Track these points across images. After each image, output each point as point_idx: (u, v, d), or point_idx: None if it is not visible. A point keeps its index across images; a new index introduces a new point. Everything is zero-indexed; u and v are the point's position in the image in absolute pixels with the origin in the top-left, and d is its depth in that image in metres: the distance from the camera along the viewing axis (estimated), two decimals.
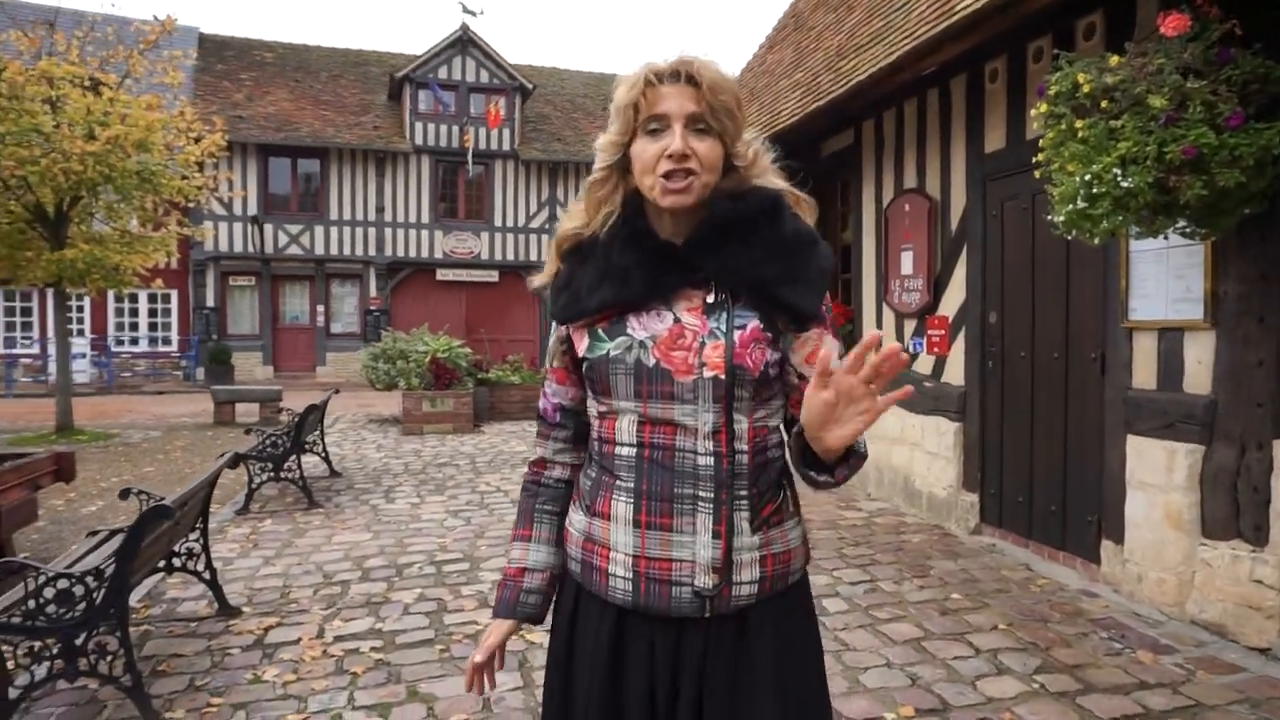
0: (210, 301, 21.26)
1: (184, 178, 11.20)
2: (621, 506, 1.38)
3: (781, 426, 1.45)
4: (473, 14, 22.48)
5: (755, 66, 9.79)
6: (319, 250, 21.90)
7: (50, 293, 11.65)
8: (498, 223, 23.02)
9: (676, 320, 1.36)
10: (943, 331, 5.84)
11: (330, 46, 24.89)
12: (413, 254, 22.46)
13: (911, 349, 6.23)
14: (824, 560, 4.90)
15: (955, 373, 5.70)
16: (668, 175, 1.31)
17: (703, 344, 1.34)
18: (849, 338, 7.09)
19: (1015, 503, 5.14)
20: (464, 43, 22.51)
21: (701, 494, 1.34)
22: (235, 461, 6.42)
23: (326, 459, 8.10)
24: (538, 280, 1.49)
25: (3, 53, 10.32)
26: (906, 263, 6.21)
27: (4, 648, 2.88)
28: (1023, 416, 5.07)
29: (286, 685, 3.37)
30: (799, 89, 7.01)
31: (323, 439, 8.17)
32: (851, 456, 1.29)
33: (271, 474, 6.65)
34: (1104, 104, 3.17)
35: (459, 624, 4.03)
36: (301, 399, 8.81)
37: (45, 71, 9.83)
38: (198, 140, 11.39)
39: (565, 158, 22.75)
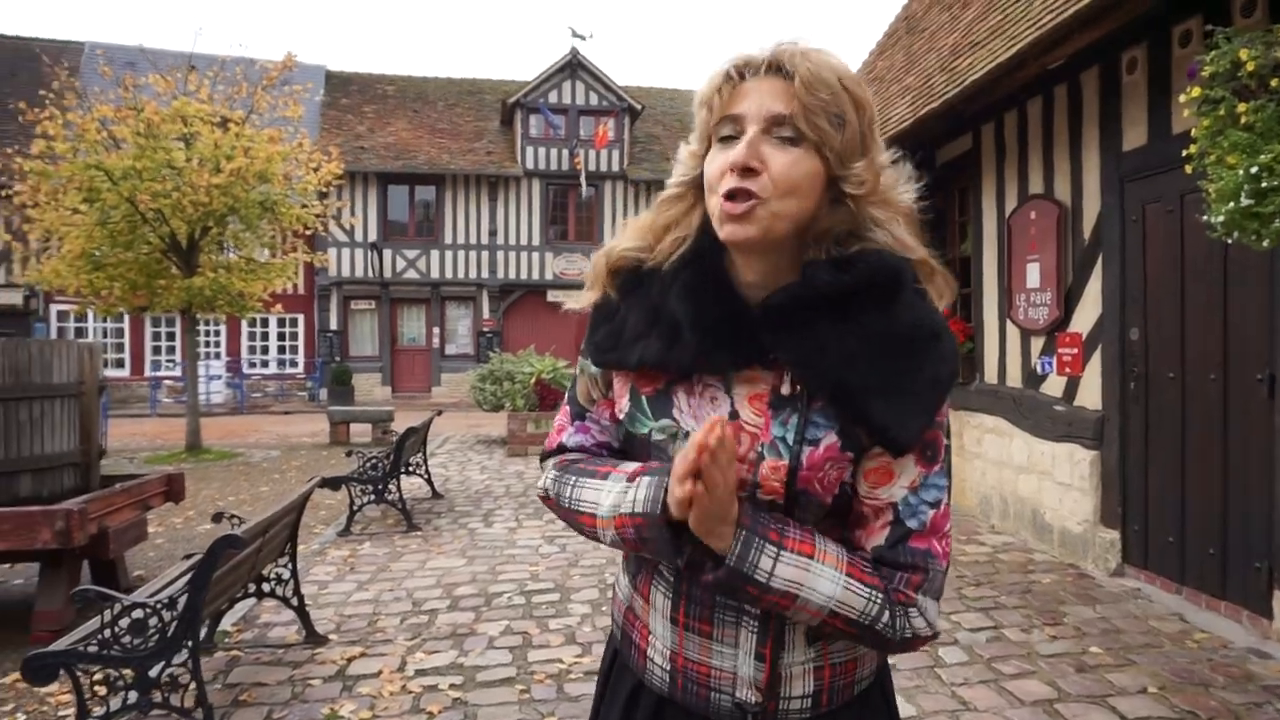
0: (333, 325, 22.20)
1: (303, 206, 11.65)
2: (660, 598, 1.12)
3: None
4: (582, 38, 22.79)
5: (864, 74, 9.37)
6: (434, 274, 22.56)
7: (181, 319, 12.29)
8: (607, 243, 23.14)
9: (734, 414, 1.05)
10: (1075, 350, 5.29)
11: (446, 77, 25.75)
12: (524, 276, 22.84)
13: (1040, 369, 5.69)
14: (942, 602, 4.44)
15: (1090, 395, 5.14)
16: (729, 196, 0.99)
17: (761, 457, 1.02)
18: (969, 358, 6.58)
19: (1164, 542, 4.55)
20: (573, 66, 22.84)
21: (747, 608, 1.05)
22: (335, 484, 6.52)
23: (429, 481, 8.14)
24: (575, 303, 1.19)
25: (144, 95, 11.03)
26: (1033, 275, 5.69)
27: (81, 677, 2.85)
28: (1172, 444, 4.49)
29: None
30: (910, 93, 6.60)
31: (425, 461, 8.21)
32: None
33: (373, 496, 6.68)
34: (1274, 83, 2.70)
35: (542, 661, 3.82)
36: (414, 419, 8.93)
37: (179, 110, 10.42)
38: (316, 170, 11.84)
39: None
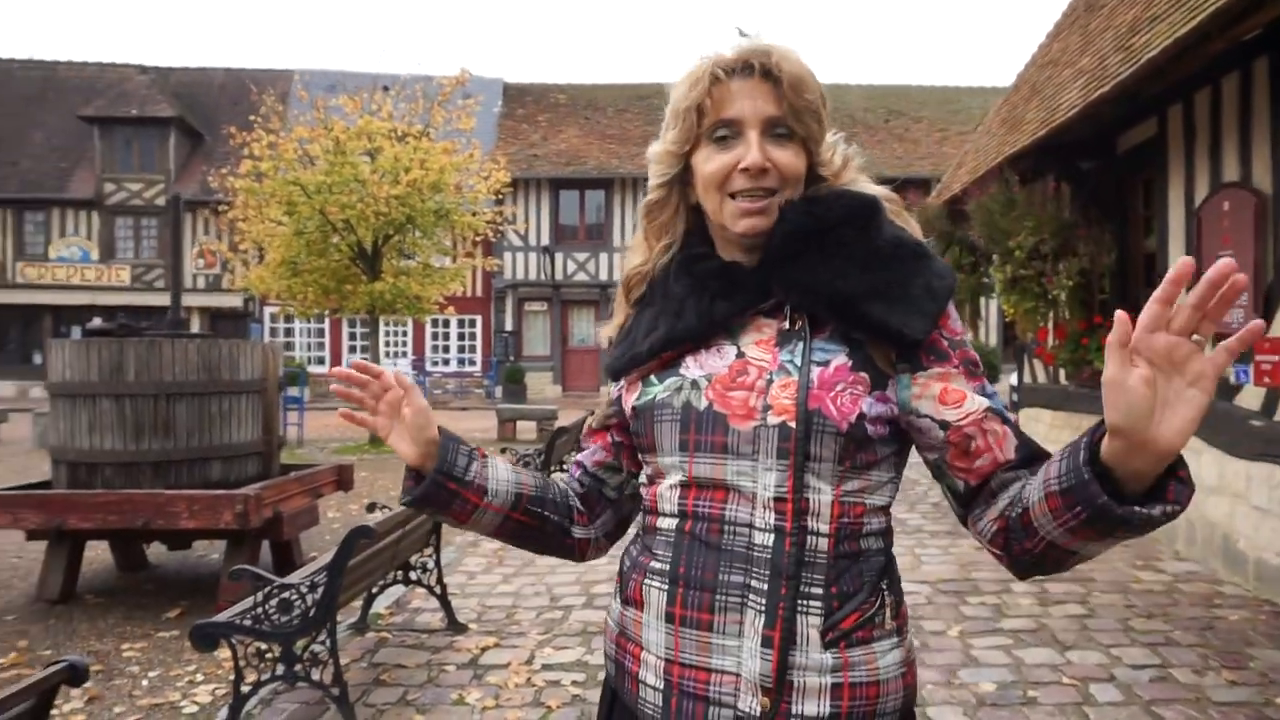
0: (509, 326, 23.33)
1: (474, 214, 12.32)
2: (654, 594, 1.07)
3: (887, 510, 1.09)
4: (746, 37, 22.66)
5: (1039, 59, 8.72)
6: (603, 276, 23.17)
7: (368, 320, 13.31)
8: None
9: (740, 355, 1.07)
10: (1276, 358, 4.69)
11: (617, 83, 26.38)
12: None
13: (1235, 378, 5.08)
14: (1101, 633, 4.07)
15: None
16: (744, 195, 1.06)
17: (769, 381, 1.04)
18: None
19: None
20: None
21: (753, 583, 1.00)
22: None
23: None
24: (605, 331, 1.23)
25: (334, 115, 12.06)
26: None
27: (238, 647, 3.15)
28: None
29: (485, 711, 3.38)
30: (1083, 76, 6.07)
31: None
32: (1180, 469, 0.84)
33: None
34: None
35: None
36: (574, 419, 9.28)
37: (363, 128, 11.31)
38: (486, 179, 12.48)
39: None
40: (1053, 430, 7.89)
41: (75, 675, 1.86)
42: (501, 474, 1.16)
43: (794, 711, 0.99)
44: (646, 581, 1.09)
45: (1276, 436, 4.62)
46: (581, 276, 23.26)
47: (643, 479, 1.18)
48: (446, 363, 23.93)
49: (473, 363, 24.01)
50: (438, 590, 4.41)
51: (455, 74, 12.80)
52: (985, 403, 1.03)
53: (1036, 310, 6.92)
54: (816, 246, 1.06)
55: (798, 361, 1.04)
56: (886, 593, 1.05)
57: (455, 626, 4.36)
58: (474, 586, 5.15)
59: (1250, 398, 4.92)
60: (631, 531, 1.24)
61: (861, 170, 1.16)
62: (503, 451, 7.68)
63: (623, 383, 1.18)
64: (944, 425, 1.03)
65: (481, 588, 5.14)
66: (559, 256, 23.02)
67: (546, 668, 3.82)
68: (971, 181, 7.83)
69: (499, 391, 22.26)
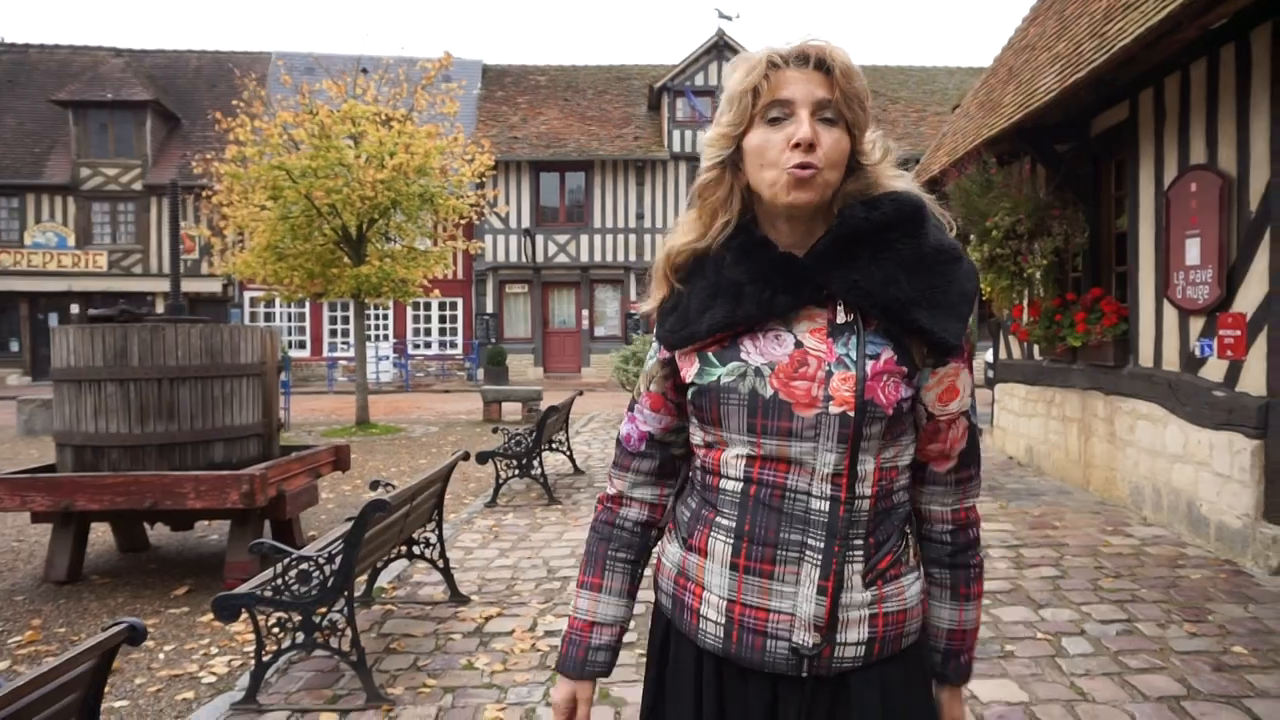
0: (490, 308, 23.36)
1: (458, 197, 12.36)
2: (720, 546, 1.22)
3: (910, 466, 1.27)
4: (728, 19, 22.73)
5: (1016, 43, 8.91)
6: (584, 258, 23.25)
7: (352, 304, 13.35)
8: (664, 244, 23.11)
9: (799, 345, 1.19)
10: (1238, 332, 4.93)
11: (596, 65, 26.33)
12: None
13: (1199, 351, 5.33)
14: (1072, 592, 4.31)
15: (1254, 381, 4.78)
16: (797, 166, 1.14)
17: (829, 373, 1.16)
18: (1121, 340, 6.22)
19: None
20: (720, 48, 22.81)
21: (810, 542, 1.17)
22: (483, 459, 6.98)
23: (571, 457, 8.53)
24: (645, 304, 1.34)
25: (319, 99, 12.03)
26: (1192, 251, 5.32)
27: (259, 617, 3.30)
28: None
29: (493, 675, 3.56)
30: (1059, 61, 6.26)
31: (568, 438, 8.61)
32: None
33: (517, 471, 7.11)
34: None
35: None
36: (562, 399, 9.42)
37: (348, 112, 11.31)
38: (470, 162, 12.52)
39: None
40: (1027, 404, 8.15)
41: (135, 635, 2.00)
42: (622, 614, 1.39)
43: (839, 640, 1.18)
44: (713, 535, 1.23)
45: (1236, 405, 4.87)
46: (562, 258, 23.31)
47: (696, 440, 1.29)
48: (428, 345, 23.94)
49: (454, 345, 24.05)
50: (440, 564, 4.57)
51: (438, 57, 12.79)
52: (967, 404, 1.26)
53: (1012, 288, 7.14)
54: (869, 248, 1.17)
55: (853, 355, 1.16)
56: (909, 535, 1.27)
57: (458, 598, 4.53)
58: (472, 561, 5.32)
59: (1213, 370, 5.17)
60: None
61: (898, 170, 1.25)
62: (495, 431, 7.84)
63: (672, 353, 1.28)
64: (930, 416, 1.24)
65: (480, 562, 5.30)
66: (539, 238, 23.06)
67: (550, 634, 4.00)
68: (950, 163, 8.02)
69: (480, 374, 22.35)
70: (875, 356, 1.16)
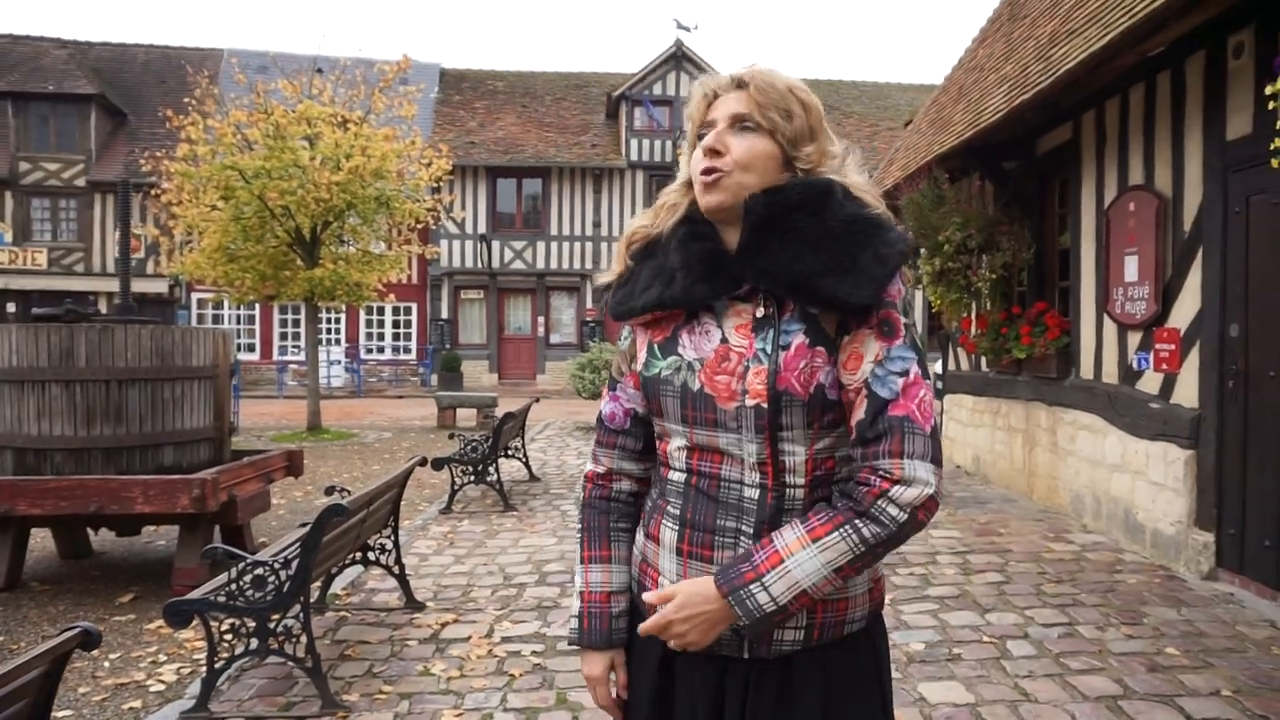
0: (444, 313, 23.17)
1: (414, 201, 12.27)
2: (669, 533, 1.33)
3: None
4: (687, 29, 23.01)
5: (966, 63, 9.16)
6: (540, 265, 23.21)
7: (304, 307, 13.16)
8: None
9: (724, 340, 1.28)
10: (1172, 346, 5.14)
11: (554, 71, 26.35)
12: None
13: (1137, 364, 5.54)
14: (1016, 597, 4.45)
15: (1187, 393, 4.99)
16: (703, 171, 1.26)
17: (746, 368, 1.24)
18: (1064, 352, 6.43)
19: (1261, 547, 4.40)
20: (678, 58, 23.00)
21: (744, 528, 1.25)
22: (439, 465, 6.94)
23: (527, 464, 8.52)
24: (603, 278, 1.44)
25: (274, 99, 11.86)
26: (1130, 269, 5.53)
27: (211, 623, 3.26)
28: (1272, 445, 4.34)
29: (450, 681, 3.55)
30: (1006, 83, 6.47)
31: (524, 445, 8.60)
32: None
33: (473, 478, 7.08)
34: None
35: None
36: (518, 405, 9.39)
37: (304, 113, 11.17)
38: (428, 166, 12.45)
39: None
40: (974, 414, 8.36)
41: (89, 640, 1.96)
42: (621, 580, 1.43)
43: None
44: (664, 523, 1.34)
45: (1170, 417, 5.08)
46: (518, 265, 23.24)
47: (655, 429, 1.39)
48: (381, 350, 23.66)
49: (408, 350, 23.80)
50: (395, 570, 4.55)
51: (396, 59, 12.70)
52: (868, 371, 1.19)
53: (961, 301, 7.34)
54: (776, 233, 1.23)
55: (769, 349, 1.23)
56: None
57: (413, 605, 4.50)
58: (427, 568, 5.29)
59: (1150, 383, 5.38)
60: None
61: (858, 168, 1.33)
62: (451, 437, 7.80)
63: (631, 331, 1.40)
64: (842, 386, 1.23)
65: (435, 569, 5.27)
66: (496, 244, 22.96)
67: (507, 640, 4.00)
68: (903, 178, 8.21)
69: (435, 379, 22.15)
70: (787, 346, 1.22)
